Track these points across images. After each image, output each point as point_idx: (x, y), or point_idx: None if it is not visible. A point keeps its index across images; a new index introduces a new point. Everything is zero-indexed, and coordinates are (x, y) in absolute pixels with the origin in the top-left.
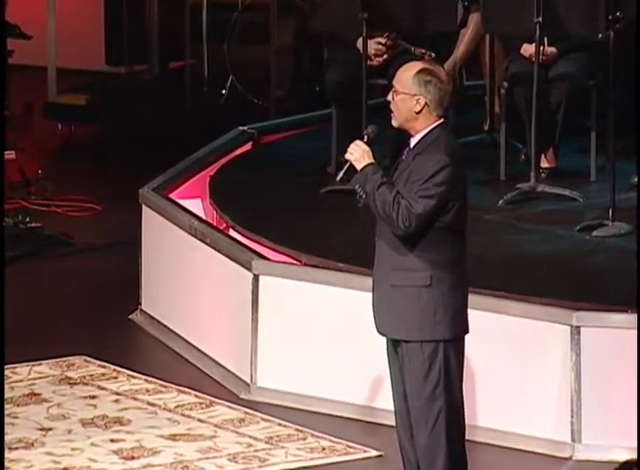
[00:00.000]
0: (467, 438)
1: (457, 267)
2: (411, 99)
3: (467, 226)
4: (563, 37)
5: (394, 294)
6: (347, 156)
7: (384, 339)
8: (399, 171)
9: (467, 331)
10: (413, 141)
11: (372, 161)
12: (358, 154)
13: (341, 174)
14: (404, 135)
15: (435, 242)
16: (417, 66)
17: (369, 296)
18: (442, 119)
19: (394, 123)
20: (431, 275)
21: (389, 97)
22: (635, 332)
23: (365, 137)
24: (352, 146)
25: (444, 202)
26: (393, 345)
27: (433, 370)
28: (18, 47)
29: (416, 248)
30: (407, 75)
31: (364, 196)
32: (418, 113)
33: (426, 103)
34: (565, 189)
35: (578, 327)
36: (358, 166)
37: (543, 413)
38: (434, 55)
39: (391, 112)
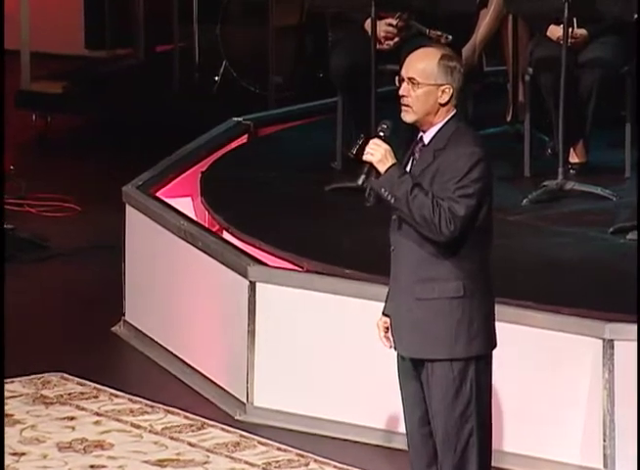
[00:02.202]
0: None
1: (486, 273)
2: (437, 90)
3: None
4: (594, 18)
5: (420, 309)
6: (367, 157)
7: (395, 353)
8: (417, 171)
9: (496, 345)
10: (427, 136)
11: (395, 161)
12: (380, 154)
13: (362, 179)
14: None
15: (469, 246)
16: (434, 52)
17: (378, 305)
18: (455, 110)
19: (409, 119)
20: (463, 285)
21: (403, 91)
22: None
23: (382, 134)
24: (372, 145)
25: (481, 199)
26: (413, 363)
27: (463, 389)
28: None
29: (448, 255)
30: (430, 64)
31: (393, 201)
32: (444, 104)
33: (452, 92)
34: (596, 187)
35: (612, 340)
36: (382, 168)
37: (572, 436)
38: (450, 38)
39: (403, 105)
